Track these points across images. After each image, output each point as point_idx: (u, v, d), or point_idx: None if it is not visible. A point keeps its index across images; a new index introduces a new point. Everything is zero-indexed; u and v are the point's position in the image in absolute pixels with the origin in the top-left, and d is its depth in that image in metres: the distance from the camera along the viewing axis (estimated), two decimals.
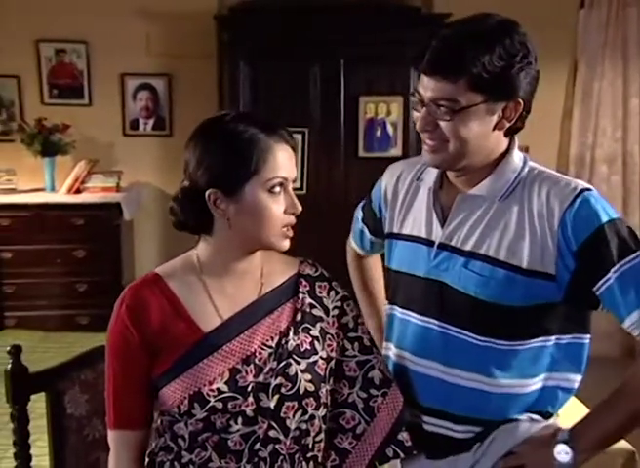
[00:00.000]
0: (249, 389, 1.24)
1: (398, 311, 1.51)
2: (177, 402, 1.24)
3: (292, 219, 1.29)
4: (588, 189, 1.33)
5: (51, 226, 4.17)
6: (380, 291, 1.75)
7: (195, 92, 4.41)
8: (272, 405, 1.24)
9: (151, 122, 4.54)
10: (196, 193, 1.26)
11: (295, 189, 1.31)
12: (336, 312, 1.37)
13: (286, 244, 1.31)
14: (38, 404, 1.66)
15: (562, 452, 1.29)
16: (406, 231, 1.50)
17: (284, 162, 1.26)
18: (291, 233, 1.30)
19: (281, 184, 1.26)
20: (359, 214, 1.70)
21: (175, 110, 4.53)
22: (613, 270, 1.27)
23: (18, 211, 4.14)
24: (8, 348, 1.63)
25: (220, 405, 1.23)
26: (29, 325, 4.08)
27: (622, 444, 2.00)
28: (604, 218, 1.29)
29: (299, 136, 4.08)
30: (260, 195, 1.25)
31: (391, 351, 1.53)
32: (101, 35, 4.34)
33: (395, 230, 1.53)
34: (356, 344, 1.37)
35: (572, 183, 1.34)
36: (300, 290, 1.36)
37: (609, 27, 4.40)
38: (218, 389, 1.23)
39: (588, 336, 1.43)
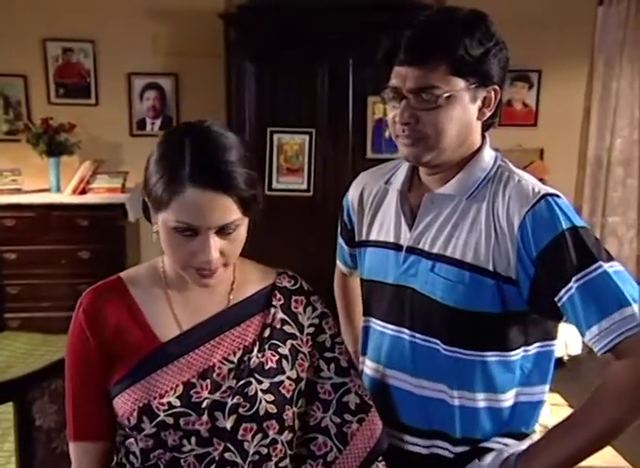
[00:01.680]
0: (203, 406, 1.16)
1: (372, 322, 1.45)
2: (127, 414, 1.17)
3: (201, 264, 1.13)
4: (553, 194, 1.26)
5: (55, 227, 4.15)
6: (360, 316, 1.66)
7: (203, 91, 4.36)
8: (229, 426, 1.16)
9: (158, 122, 4.49)
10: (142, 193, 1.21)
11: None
12: (311, 330, 1.27)
13: (204, 283, 1.17)
14: None
15: None
16: (373, 237, 1.44)
17: (193, 209, 1.09)
18: (209, 274, 1.15)
19: (189, 228, 1.11)
20: (339, 228, 1.63)
21: (182, 110, 4.48)
22: (574, 279, 1.19)
23: (22, 211, 4.12)
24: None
25: (170, 420, 1.15)
26: (33, 326, 4.05)
27: (625, 465, 1.92)
28: (565, 224, 1.22)
29: (305, 137, 4.01)
30: (164, 229, 1.14)
31: (366, 365, 1.46)
32: (108, 34, 4.31)
33: (364, 237, 1.47)
34: (332, 365, 1.27)
35: (536, 187, 1.28)
36: (273, 303, 1.26)
37: (628, 25, 4.27)
38: (168, 403, 1.16)
39: (555, 343, 1.35)
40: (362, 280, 1.49)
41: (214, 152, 1.11)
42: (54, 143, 4.21)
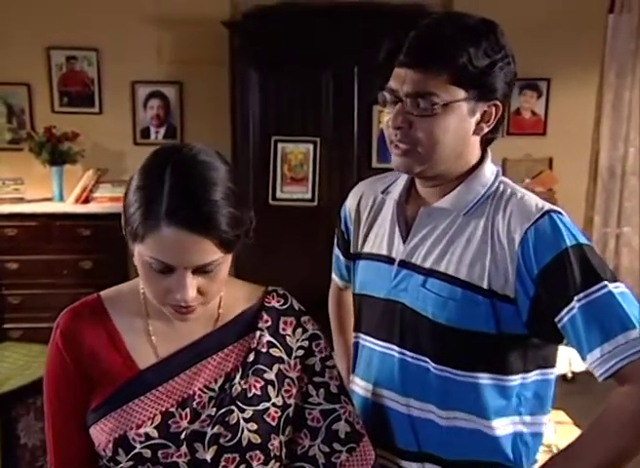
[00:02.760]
0: (182, 436, 1.09)
1: (361, 338, 1.39)
2: (102, 445, 1.11)
3: (177, 302, 1.06)
4: (556, 211, 1.20)
5: (57, 236, 4.11)
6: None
7: (207, 100, 4.32)
8: (209, 457, 1.08)
9: (162, 130, 4.45)
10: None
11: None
12: (300, 353, 1.20)
13: (180, 319, 1.10)
14: None
15: None
16: (367, 249, 1.38)
17: (168, 248, 1.01)
18: (186, 311, 1.07)
19: (163, 266, 1.03)
20: (335, 239, 1.56)
21: (186, 118, 4.44)
22: (577, 299, 1.12)
23: (25, 220, 4.08)
24: None
25: (148, 453, 1.08)
26: (35, 337, 3.99)
27: None
28: (569, 242, 1.15)
29: (310, 146, 3.96)
30: (139, 262, 1.07)
31: (356, 384, 1.39)
32: (112, 42, 4.28)
33: (358, 249, 1.41)
34: (322, 391, 1.19)
35: (539, 204, 1.21)
36: (259, 325, 1.18)
37: None
38: (145, 434, 1.09)
39: (554, 371, 1.28)
40: (354, 294, 1.43)
41: (195, 188, 1.01)
42: (56, 152, 4.17)
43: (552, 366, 1.28)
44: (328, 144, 3.97)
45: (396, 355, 1.28)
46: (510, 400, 1.23)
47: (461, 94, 1.18)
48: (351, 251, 1.45)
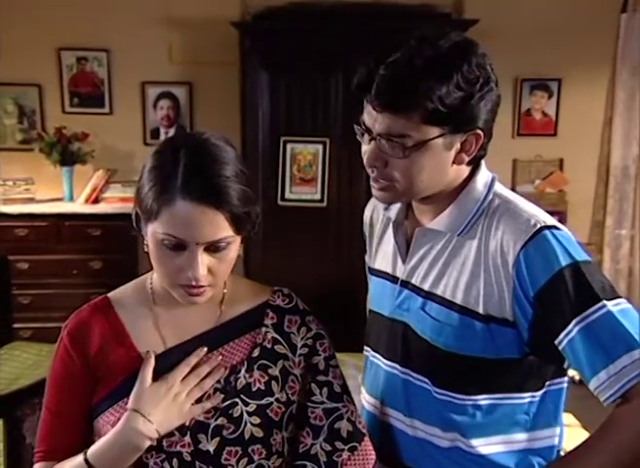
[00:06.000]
0: (186, 426, 1.12)
1: (370, 354, 1.38)
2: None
3: (188, 281, 1.08)
4: (551, 226, 1.14)
5: (68, 237, 4.12)
6: None
7: (217, 100, 4.32)
8: (212, 448, 1.11)
9: (172, 131, 4.45)
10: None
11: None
12: (305, 351, 1.21)
13: (190, 301, 1.12)
14: None
15: None
16: (377, 265, 1.37)
17: (180, 221, 1.05)
18: (196, 292, 1.10)
19: (176, 242, 1.06)
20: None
21: (196, 119, 4.44)
22: (575, 321, 1.08)
23: (35, 220, 4.10)
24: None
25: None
26: (45, 337, 4.01)
27: None
28: (564, 261, 1.10)
29: (319, 147, 3.94)
30: (152, 241, 1.10)
31: (365, 399, 1.39)
32: (123, 43, 4.29)
33: (370, 264, 1.41)
34: (325, 389, 1.21)
35: (532, 219, 1.15)
36: (265, 322, 1.21)
37: None
38: None
39: (566, 379, 1.25)
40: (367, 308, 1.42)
41: (208, 165, 1.07)
42: (67, 152, 4.19)
43: (564, 375, 1.25)
44: (337, 145, 3.95)
45: (400, 375, 1.27)
46: (516, 417, 1.21)
47: (435, 131, 1.13)
48: (367, 264, 1.44)
